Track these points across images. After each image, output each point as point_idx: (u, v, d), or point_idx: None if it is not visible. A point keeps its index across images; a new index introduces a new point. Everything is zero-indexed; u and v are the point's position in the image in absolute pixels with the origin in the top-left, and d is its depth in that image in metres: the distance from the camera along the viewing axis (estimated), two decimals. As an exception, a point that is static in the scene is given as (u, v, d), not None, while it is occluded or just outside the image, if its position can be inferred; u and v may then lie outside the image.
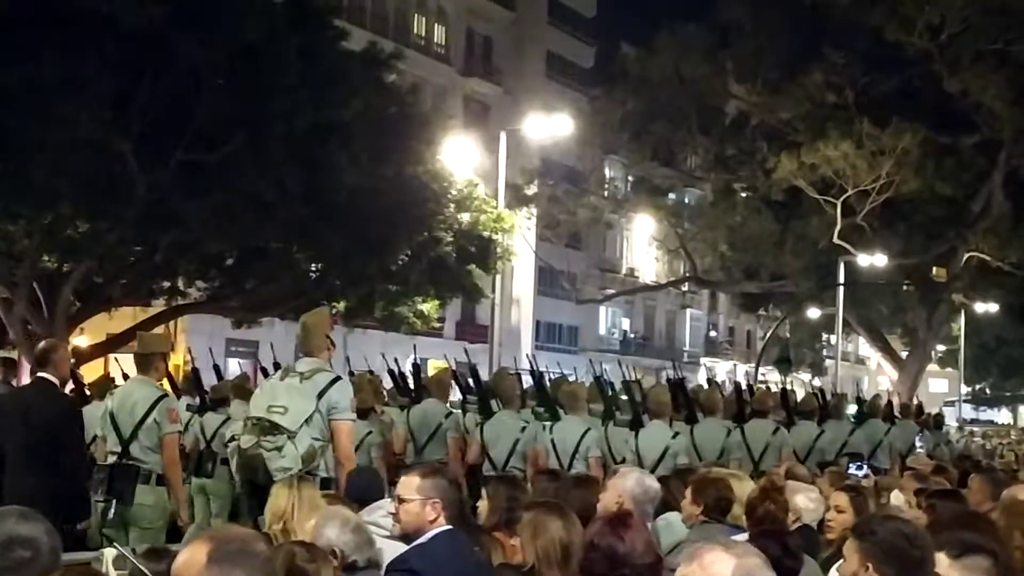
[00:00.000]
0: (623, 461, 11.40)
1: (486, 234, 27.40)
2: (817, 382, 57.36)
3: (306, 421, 7.91)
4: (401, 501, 5.73)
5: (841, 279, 42.55)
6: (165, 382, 10.87)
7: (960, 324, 55.37)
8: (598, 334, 64.22)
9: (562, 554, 5.26)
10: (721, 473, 7.64)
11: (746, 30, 43.77)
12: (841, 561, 4.65)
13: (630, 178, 55.71)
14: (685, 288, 66.20)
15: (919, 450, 16.64)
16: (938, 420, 22.44)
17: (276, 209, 21.41)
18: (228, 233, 21.81)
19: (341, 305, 26.74)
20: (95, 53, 19.02)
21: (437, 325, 37.79)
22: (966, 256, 44.06)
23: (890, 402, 18.50)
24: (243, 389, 12.40)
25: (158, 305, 26.45)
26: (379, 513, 6.37)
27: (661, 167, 50.79)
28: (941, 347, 60.67)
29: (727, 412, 13.96)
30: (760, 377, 42.78)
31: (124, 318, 26.33)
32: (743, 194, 46.19)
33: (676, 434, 12.05)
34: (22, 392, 10.05)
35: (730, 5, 44.00)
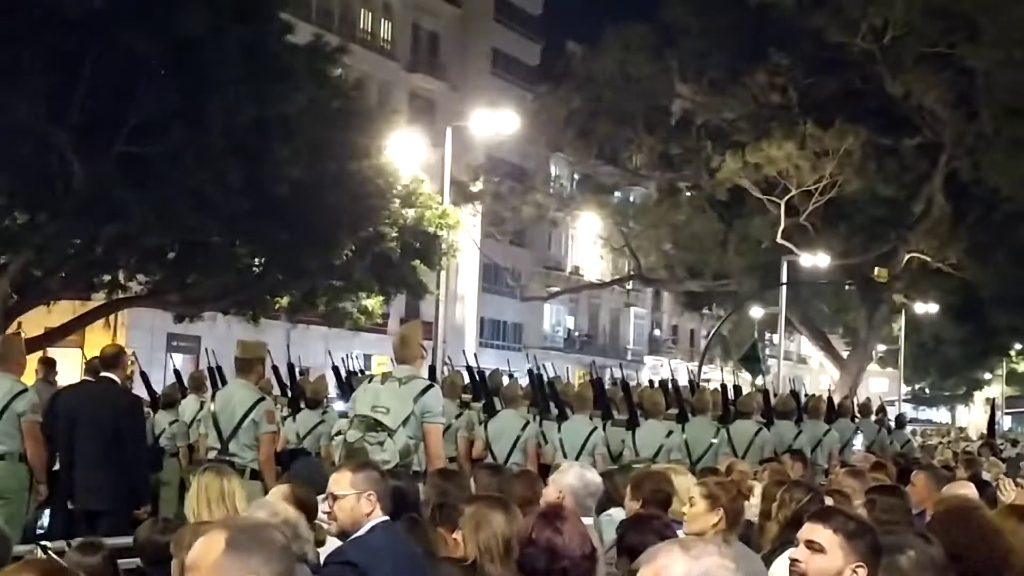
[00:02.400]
0: (620, 456, 12.52)
1: (431, 230, 27.30)
2: (760, 381, 57.75)
3: (404, 421, 8.95)
4: (335, 498, 5.68)
5: (784, 278, 42.86)
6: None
7: (900, 324, 55.91)
8: (542, 331, 64.30)
9: (504, 548, 5.24)
10: (660, 468, 7.68)
11: (692, 30, 44.01)
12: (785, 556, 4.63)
13: (575, 176, 55.81)
14: (629, 286, 66.40)
15: (857, 448, 16.88)
16: (900, 420, 22.97)
17: (218, 203, 21.21)
18: (169, 227, 21.57)
19: (284, 300, 26.56)
20: (34, 43, 18.78)
21: (381, 321, 37.67)
22: (906, 257, 44.55)
23: (830, 400, 18.85)
24: (198, 381, 13.98)
25: (98, 299, 26.16)
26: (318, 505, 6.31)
27: (606, 165, 50.96)
28: (881, 347, 61.23)
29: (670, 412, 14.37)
30: (703, 375, 43.01)
31: (63, 312, 26.04)
32: (687, 193, 46.47)
33: (670, 432, 13.13)
34: (89, 391, 10.94)
35: (675, 5, 44.24)
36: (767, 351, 66.28)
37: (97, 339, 37.89)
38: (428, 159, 31.26)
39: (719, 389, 16.50)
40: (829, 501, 8.20)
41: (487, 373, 15.02)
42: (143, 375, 15.42)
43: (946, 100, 39.77)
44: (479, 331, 58.98)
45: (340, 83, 25.79)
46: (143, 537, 6.07)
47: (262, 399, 10.39)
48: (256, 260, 25.24)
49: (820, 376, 69.50)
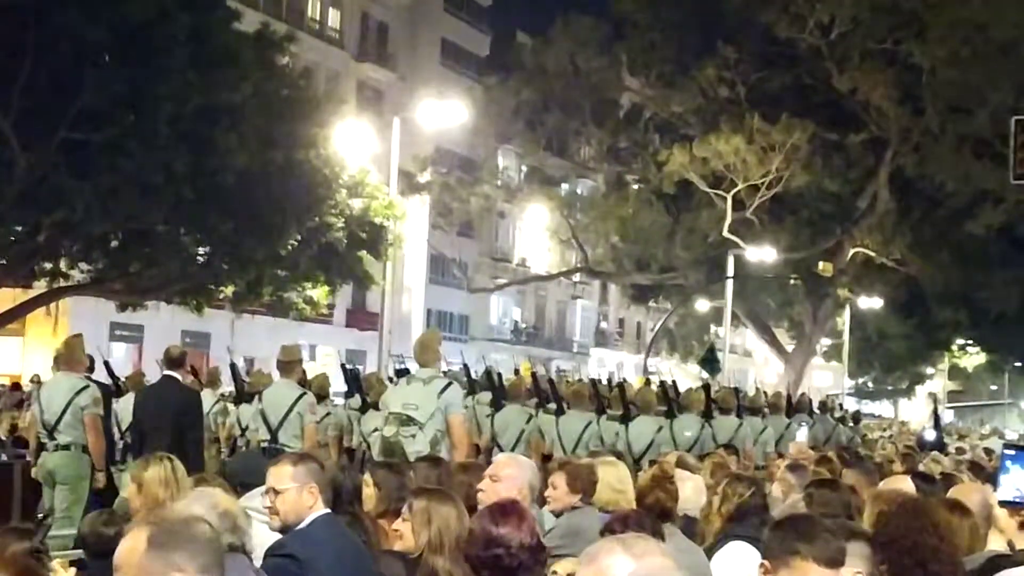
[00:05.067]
0: (613, 446, 13.21)
1: (377, 221, 27.26)
2: (704, 374, 58.10)
3: (431, 416, 10.24)
4: (276, 492, 5.67)
5: (730, 272, 43.10)
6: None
7: (845, 318, 56.36)
8: (489, 323, 64.34)
9: (454, 542, 5.28)
10: (604, 461, 7.75)
11: (641, 24, 44.11)
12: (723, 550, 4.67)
13: (523, 168, 55.86)
14: (576, 279, 66.55)
15: (799, 440, 17.13)
16: (856, 416, 23.42)
17: (162, 191, 21.11)
18: (113, 214, 21.45)
19: (228, 290, 26.45)
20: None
21: (326, 312, 37.61)
22: (852, 252, 44.91)
23: (764, 394, 19.37)
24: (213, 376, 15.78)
25: (39, 287, 25.93)
26: (259, 500, 6.31)
27: (554, 157, 51.07)
28: (826, 341, 61.71)
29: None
30: (650, 368, 43.22)
31: (3, 299, 25.81)
32: (635, 186, 46.59)
33: (660, 428, 14.28)
34: (156, 387, 12.42)
35: (626, -2, 44.29)
36: (716, 345, 66.87)
37: (38, 328, 37.58)
38: (376, 149, 31.17)
39: (702, 389, 17.23)
40: (776, 492, 8.33)
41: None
42: (106, 363, 15.71)
43: (892, 96, 40.06)
44: (426, 322, 58.86)
45: (287, 72, 25.73)
46: (87, 530, 6.05)
47: (304, 394, 12.00)
48: (201, 249, 25.11)
49: (764, 369, 70.04)
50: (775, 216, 42.78)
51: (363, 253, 27.34)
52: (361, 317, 51.50)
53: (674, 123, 44.07)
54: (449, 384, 10.68)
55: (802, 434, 17.51)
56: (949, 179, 40.15)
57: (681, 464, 8.99)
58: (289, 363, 12.17)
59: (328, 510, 5.70)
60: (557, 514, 7.04)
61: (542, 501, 7.17)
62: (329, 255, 26.32)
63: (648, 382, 19.27)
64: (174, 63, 20.31)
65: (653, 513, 6.49)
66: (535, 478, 6.81)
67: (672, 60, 43.46)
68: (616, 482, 7.43)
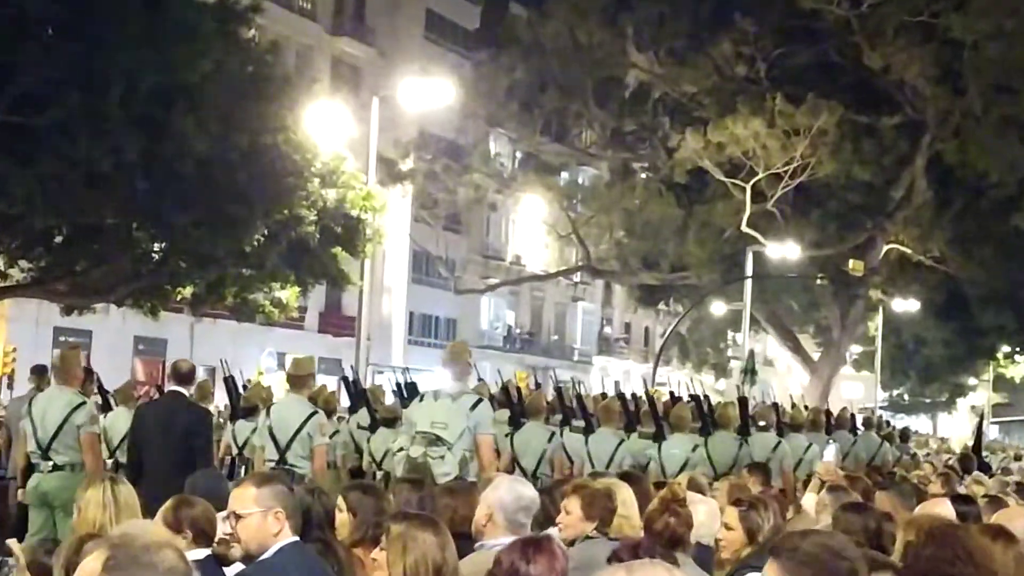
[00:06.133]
0: (646, 468, 13.77)
1: (354, 213, 27.25)
2: (721, 384, 58.18)
3: (460, 435, 10.59)
4: (238, 517, 5.66)
5: (749, 271, 43.14)
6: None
7: (877, 323, 56.40)
8: (479, 328, 64.35)
9: (434, 572, 5.26)
10: (605, 483, 7.76)
11: (649, -7, 44.13)
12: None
13: (517, 154, 55.86)
14: (577, 279, 66.56)
15: (827, 458, 17.16)
16: (904, 434, 23.57)
17: (113, 180, 21.10)
18: (57, 207, 21.43)
19: (187, 291, 26.44)
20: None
21: (296, 315, 37.57)
22: (885, 248, 44.94)
23: (805, 408, 19.50)
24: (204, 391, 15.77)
25: (-25, 288, 25.94)
26: (220, 527, 6.30)
27: (552, 143, 51.07)
28: (856, 348, 61.75)
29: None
30: (659, 379, 43.22)
31: (-65, 302, 25.77)
32: (643, 175, 46.63)
33: (696, 447, 14.57)
34: (160, 405, 12.90)
35: (632, -36, 44.32)
36: (729, 352, 66.96)
37: (-26, 333, 37.54)
38: (352, 134, 31.16)
39: (736, 403, 17.26)
40: (809, 511, 8.34)
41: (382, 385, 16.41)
42: (94, 374, 15.82)
43: (930, 75, 40.11)
44: (408, 327, 58.94)
45: (253, 47, 25.69)
46: (28, 559, 6.07)
47: (315, 412, 12.30)
48: (156, 245, 25.10)
49: (787, 380, 70.06)
50: (799, 208, 42.81)
51: (338, 250, 27.34)
52: (335, 321, 51.49)
53: (686, 104, 44.07)
54: (479, 401, 11.05)
55: (830, 452, 17.54)
56: (993, 166, 40.18)
57: (693, 486, 8.99)
58: (301, 377, 12.52)
59: (296, 537, 5.69)
60: (569, 543, 7.03)
61: (542, 520, 7.17)
62: (300, 252, 26.30)
63: (675, 396, 19.29)
64: (126, 37, 20.29)
65: (663, 540, 6.49)
66: (512, 497, 6.80)
67: (684, 34, 43.49)
68: (620, 505, 7.44)
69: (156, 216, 23.01)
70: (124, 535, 3.77)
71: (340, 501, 6.81)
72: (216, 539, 6.37)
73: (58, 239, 24.33)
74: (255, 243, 24.38)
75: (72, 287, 25.79)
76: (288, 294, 28.45)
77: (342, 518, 6.81)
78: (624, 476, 9.30)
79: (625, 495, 7.62)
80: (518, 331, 69.05)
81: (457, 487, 7.99)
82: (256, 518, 5.62)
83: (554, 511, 7.42)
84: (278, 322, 31.18)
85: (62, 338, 39.39)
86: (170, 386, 12.59)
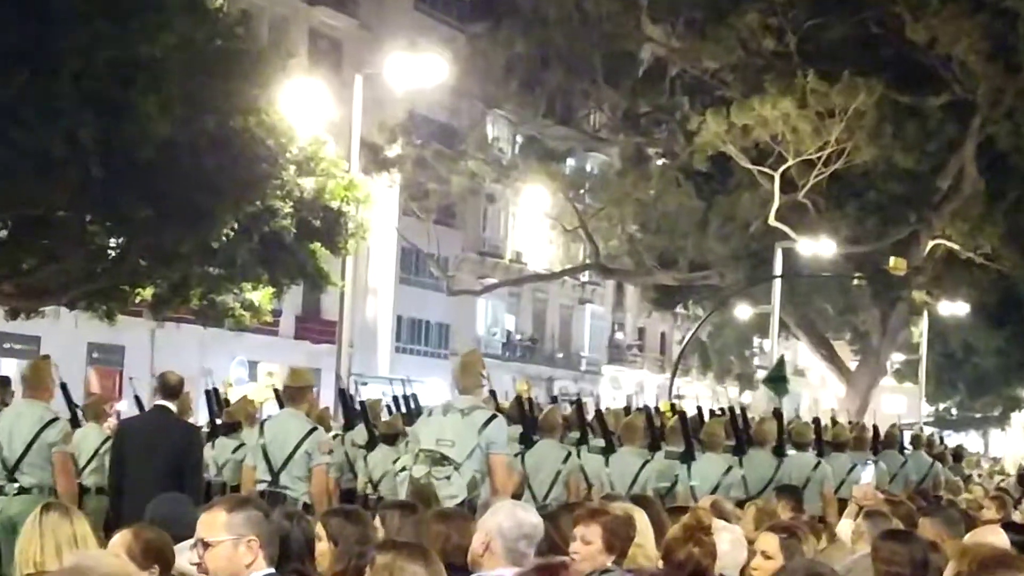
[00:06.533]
0: (671, 491, 14.18)
1: (335, 205, 27.26)
2: (747, 398, 58.21)
3: (470, 454, 10.75)
4: (206, 546, 5.65)
5: (778, 270, 43.12)
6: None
7: (922, 329, 56.37)
8: (475, 334, 64.33)
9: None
10: (625, 507, 7.76)
11: (666, -43, 44.15)
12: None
13: (518, 139, 55.84)
14: (584, 278, 66.60)
15: (865, 480, 17.24)
16: (957, 453, 23.57)
17: (65, 168, 21.08)
18: (2, 197, 21.45)
19: (147, 292, 26.45)
20: None
21: (271, 320, 37.56)
22: (930, 244, 44.92)
23: (850, 424, 19.60)
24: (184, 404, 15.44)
25: (-91, 289, 25.94)
26: (187, 556, 6.30)
27: (557, 126, 51.06)
28: (898, 357, 61.73)
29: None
30: (675, 392, 43.25)
31: None
32: (658, 162, 46.63)
33: (729, 468, 14.70)
34: (144, 420, 13.17)
35: (647, -74, 44.31)
36: (756, 361, 66.99)
37: (-92, 339, 37.54)
38: (333, 115, 31.18)
39: (773, 417, 17.35)
40: (843, 538, 8.33)
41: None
42: (63, 386, 15.75)
43: (980, 49, 40.05)
44: (395, 333, 58.97)
45: (221, 18, 25.66)
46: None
47: (315, 428, 12.43)
48: (112, 241, 25.11)
49: (821, 392, 70.14)
50: (834, 200, 42.80)
51: (316, 246, 27.35)
52: (314, 326, 51.49)
53: (707, 83, 44.08)
54: (493, 417, 11.18)
55: (868, 473, 17.59)
56: (1052, 153, 40.23)
57: (718, 511, 8.99)
58: (299, 390, 12.71)
59: (271, 569, 5.70)
60: None
61: (546, 550, 7.16)
62: (274, 248, 26.32)
63: (714, 413, 19.43)
64: (80, 8, 20.29)
65: (684, 572, 6.50)
66: (512, 524, 6.81)
67: (704, 3, 43.50)
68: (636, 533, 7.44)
69: (113, 208, 23.00)
70: (76, 568, 3.76)
71: (319, 528, 6.82)
72: (180, 571, 6.38)
73: (2, 233, 24.34)
74: (224, 238, 24.37)
75: (18, 288, 25.78)
76: (261, 296, 28.47)
77: (322, 547, 6.82)
78: (636, 500, 9.32)
79: (641, 521, 7.63)
80: (518, 337, 69.06)
81: (451, 512, 7.98)
82: (226, 547, 5.62)
83: (559, 539, 7.41)
84: (249, 327, 31.12)
85: (6, 344, 39.47)
86: (156, 400, 12.68)
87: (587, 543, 7.08)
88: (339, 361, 28.87)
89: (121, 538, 6.41)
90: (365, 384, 28.37)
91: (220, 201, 23.70)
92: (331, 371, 29.40)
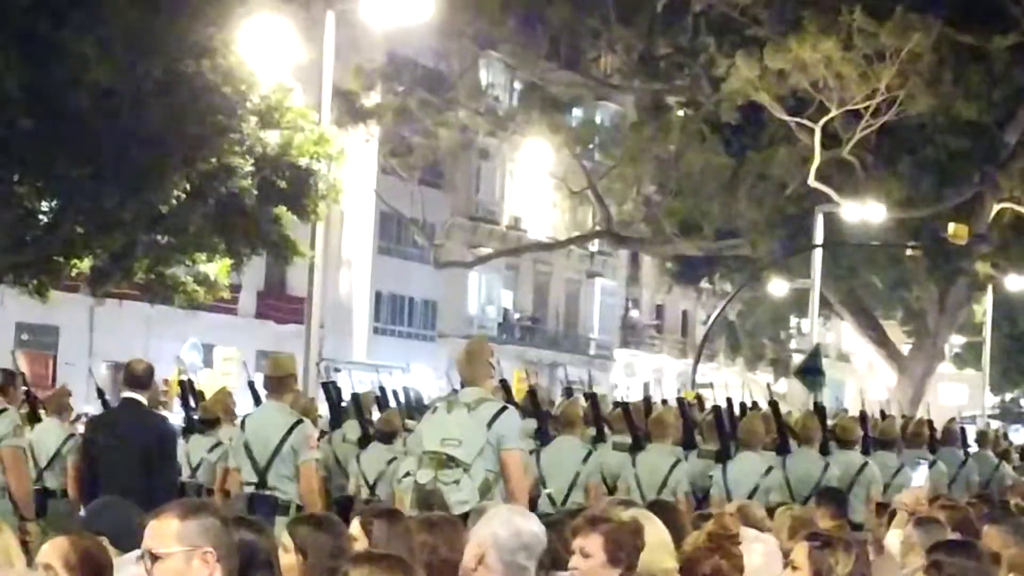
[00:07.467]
0: (705, 497, 14.44)
1: (303, 163, 27.26)
2: (782, 386, 58.26)
3: (479, 453, 10.76)
4: (155, 558, 5.66)
5: (819, 238, 43.15)
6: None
7: (986, 307, 56.46)
8: (466, 313, 64.46)
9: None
10: (636, 514, 7.77)
11: None
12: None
13: (516, 86, 55.87)
14: (594, 248, 66.60)
15: (917, 483, 17.33)
16: None
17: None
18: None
19: (84, 264, 26.43)
20: None
21: (228, 296, 37.57)
22: (996, 208, 44.96)
23: (903, 418, 19.65)
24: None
25: None
26: (131, 569, 6.32)
27: (561, 70, 50.98)
28: (958, 339, 61.84)
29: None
30: (699, 379, 43.28)
31: None
32: (680, 112, 46.58)
33: (769, 468, 14.77)
34: (115, 415, 13.46)
35: None
36: (792, 344, 67.02)
37: None
38: (300, 59, 31.16)
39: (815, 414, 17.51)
40: (891, 550, 8.35)
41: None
42: (20, 375, 15.97)
43: (1056, -19, 40.18)
44: (373, 311, 58.98)
45: (170, -56, 25.64)
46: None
47: (300, 421, 12.62)
48: (44, 204, 25.10)
49: (869, 380, 70.18)
50: (884, 157, 42.85)
51: (282, 210, 27.35)
52: (278, 303, 51.55)
53: (737, 20, 44.03)
54: (503, 410, 11.16)
55: (920, 475, 17.65)
56: None
57: (747, 518, 9.01)
58: (280, 380, 12.82)
59: (231, 586, 5.71)
60: None
61: (549, 564, 7.20)
62: (232, 213, 26.31)
63: (744, 406, 19.40)
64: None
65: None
66: (509, 533, 6.84)
67: (733, -73, 43.50)
68: (650, 544, 7.45)
69: (43, 166, 23.01)
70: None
71: (286, 539, 6.84)
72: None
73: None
74: (173, 202, 24.39)
75: (-65, 260, 25.83)
76: (216, 268, 28.46)
77: (289, 560, 6.84)
78: (654, 505, 9.35)
79: (655, 530, 7.63)
80: (517, 316, 69.15)
81: (438, 520, 8.00)
82: (178, 560, 5.62)
83: (564, 551, 7.44)
84: (204, 305, 31.09)
85: (-78, 326, 39.47)
86: (124, 392, 12.83)
87: (587, 556, 7.11)
88: (308, 345, 28.86)
89: (54, 546, 6.41)
90: (338, 371, 28.41)
91: (168, 158, 23.71)
92: (299, 355, 29.39)
